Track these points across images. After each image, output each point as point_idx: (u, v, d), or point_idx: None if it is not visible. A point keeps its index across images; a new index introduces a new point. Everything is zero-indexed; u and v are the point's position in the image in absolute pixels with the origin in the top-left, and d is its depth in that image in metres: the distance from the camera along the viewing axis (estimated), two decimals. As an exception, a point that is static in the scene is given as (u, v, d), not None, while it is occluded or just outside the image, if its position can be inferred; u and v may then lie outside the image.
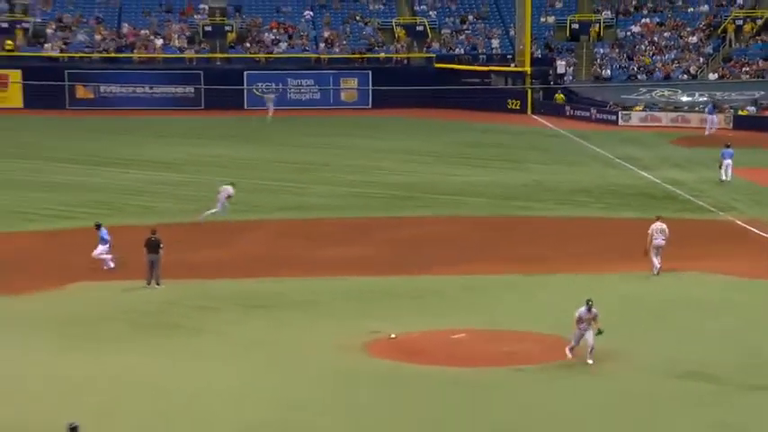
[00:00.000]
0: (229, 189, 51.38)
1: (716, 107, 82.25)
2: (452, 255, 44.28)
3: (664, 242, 41.98)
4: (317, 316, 35.92)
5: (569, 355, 31.10)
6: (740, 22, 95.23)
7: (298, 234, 48.55)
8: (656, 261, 41.85)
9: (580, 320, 30.77)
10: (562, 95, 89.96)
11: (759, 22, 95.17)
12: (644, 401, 28.57)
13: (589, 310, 30.85)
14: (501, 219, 52.08)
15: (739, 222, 50.10)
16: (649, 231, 42.11)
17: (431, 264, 42.69)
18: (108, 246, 41.36)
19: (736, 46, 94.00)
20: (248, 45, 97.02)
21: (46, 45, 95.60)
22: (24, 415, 27.11)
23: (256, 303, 37.51)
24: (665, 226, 42.33)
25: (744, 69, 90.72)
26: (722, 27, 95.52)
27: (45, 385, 29.47)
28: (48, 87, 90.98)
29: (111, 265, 41.52)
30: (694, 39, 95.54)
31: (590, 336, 30.50)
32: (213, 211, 50.94)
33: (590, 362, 30.64)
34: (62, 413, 27.27)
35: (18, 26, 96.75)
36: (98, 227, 41.60)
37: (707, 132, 77.91)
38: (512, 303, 37.63)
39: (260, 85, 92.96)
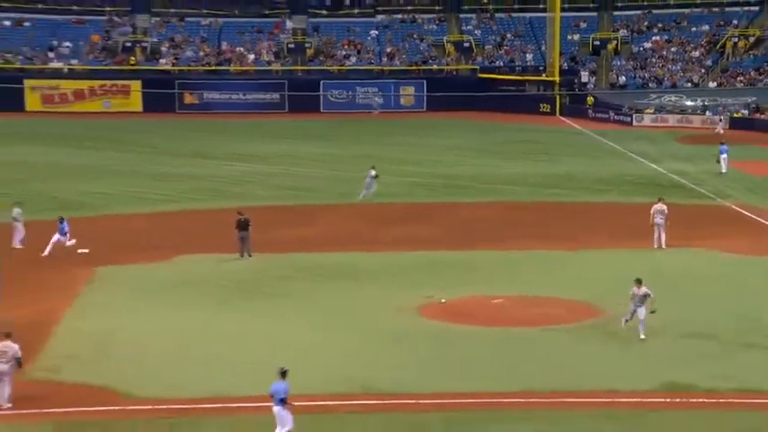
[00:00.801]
0: (372, 172, 53.06)
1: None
2: (495, 233, 44.46)
3: (662, 221, 42.16)
4: (381, 284, 36.20)
5: (623, 326, 29.99)
6: (735, 40, 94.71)
7: (367, 216, 48.77)
8: (657, 236, 42.11)
9: (633, 297, 29.83)
10: (592, 98, 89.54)
11: (751, 39, 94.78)
12: (657, 357, 28.68)
13: (639, 287, 29.81)
14: (537, 203, 52.17)
15: (735, 207, 49.95)
16: (651, 211, 42.47)
17: (477, 241, 42.88)
18: (66, 236, 40.04)
19: (732, 59, 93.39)
20: (324, 59, 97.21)
21: (161, 60, 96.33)
22: (149, 356, 27.55)
23: (331, 274, 37.75)
24: (664, 207, 42.61)
25: (738, 79, 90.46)
26: (720, 43, 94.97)
27: (162, 336, 29.98)
28: (161, 95, 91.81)
29: (47, 251, 39.84)
30: (697, 53, 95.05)
31: (641, 312, 29.54)
32: (365, 192, 52.55)
33: (642, 337, 29.46)
34: (177, 360, 27.83)
35: (138, 45, 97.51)
36: (61, 220, 40.39)
37: (718, 131, 77.31)
38: (544, 274, 37.65)
39: (333, 92, 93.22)
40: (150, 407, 24.90)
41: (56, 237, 39.96)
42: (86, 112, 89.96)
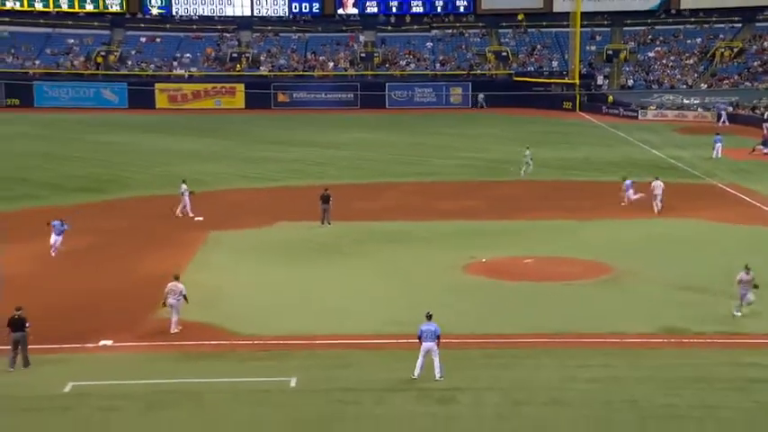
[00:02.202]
0: (528, 152, 53.46)
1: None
2: (527, 206, 44.15)
3: (660, 193, 42.52)
4: (433, 247, 36.09)
5: (737, 314, 26.85)
6: (723, 50, 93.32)
7: (422, 192, 48.60)
8: (656, 205, 42.45)
9: (740, 282, 27.05)
10: (611, 97, 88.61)
11: (735, 50, 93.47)
12: (651, 303, 28.56)
13: (747, 273, 27.08)
14: (560, 182, 51.65)
15: (721, 185, 49.23)
16: (651, 186, 42.85)
17: (511, 212, 42.60)
18: (60, 236, 34.48)
19: (719, 66, 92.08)
20: (389, 66, 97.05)
21: (260, 67, 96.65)
22: (250, 302, 27.77)
23: (393, 238, 37.69)
24: (661, 182, 43.04)
25: (724, 82, 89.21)
26: (710, 53, 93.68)
27: (261, 286, 30.16)
28: (260, 94, 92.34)
29: (53, 253, 34.39)
30: (691, 61, 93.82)
31: (751, 295, 27.00)
32: (525, 168, 52.83)
33: (738, 314, 26.84)
34: (272, 304, 28.01)
35: (243, 56, 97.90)
36: (58, 221, 34.85)
37: (720, 124, 76.19)
38: (565, 239, 37.33)
39: (396, 92, 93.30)
40: (251, 342, 25.14)
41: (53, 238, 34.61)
42: (202, 109, 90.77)
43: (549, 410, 20.46)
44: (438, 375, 22.04)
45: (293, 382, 22.16)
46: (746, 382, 22.10)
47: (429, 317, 22.59)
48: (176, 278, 26.51)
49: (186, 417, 20.43)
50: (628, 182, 44.40)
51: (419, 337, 22.25)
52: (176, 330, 25.74)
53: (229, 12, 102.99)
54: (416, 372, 22.09)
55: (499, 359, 23.76)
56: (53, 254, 34.12)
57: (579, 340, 25.15)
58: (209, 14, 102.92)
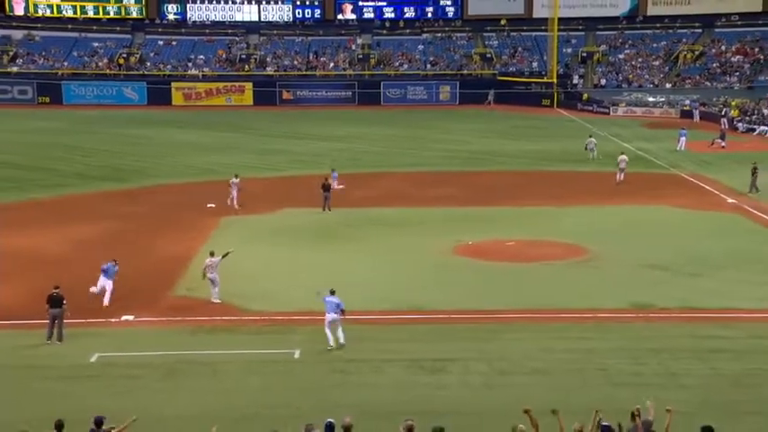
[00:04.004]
0: (592, 140, 55.68)
1: (700, 105, 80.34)
2: (509, 194, 44.06)
3: (624, 166, 46.23)
4: (424, 231, 36.05)
5: None
6: (685, 53, 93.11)
7: (414, 181, 48.44)
8: (619, 176, 45.85)
9: None
10: (586, 95, 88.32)
11: (696, 53, 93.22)
12: (622, 281, 28.55)
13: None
14: (539, 172, 51.45)
15: (683, 175, 49.16)
16: (618, 159, 46.24)
17: (496, 199, 42.55)
18: (111, 280, 26.25)
19: (682, 67, 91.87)
20: (384, 66, 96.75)
21: (267, 68, 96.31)
22: (258, 281, 27.68)
23: (388, 223, 37.68)
24: (625, 156, 47.13)
25: (687, 81, 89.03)
26: (674, 55, 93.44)
27: (267, 267, 30.11)
28: (267, 92, 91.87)
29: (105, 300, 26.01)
30: (657, 62, 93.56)
31: None
32: (592, 154, 54.27)
33: None
34: (278, 283, 27.96)
35: (251, 57, 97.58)
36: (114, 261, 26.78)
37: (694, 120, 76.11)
38: (545, 223, 37.27)
39: (391, 90, 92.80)
40: (259, 317, 25.13)
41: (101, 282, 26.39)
42: (214, 105, 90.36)
43: (530, 379, 20.50)
44: (341, 341, 22.32)
45: (297, 354, 22.18)
46: (705, 352, 22.16)
47: (332, 292, 22.82)
48: (211, 254, 26.73)
49: (201, 384, 20.48)
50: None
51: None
52: (217, 301, 26.00)
53: (239, 17, 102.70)
54: (330, 342, 22.32)
55: (485, 333, 23.76)
56: (106, 303, 25.78)
57: (557, 315, 25.17)
58: (221, 20, 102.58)
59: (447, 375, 20.88)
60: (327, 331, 22.43)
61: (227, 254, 27.06)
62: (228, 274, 27.74)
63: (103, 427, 14.85)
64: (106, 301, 25.74)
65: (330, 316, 22.48)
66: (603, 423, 13.96)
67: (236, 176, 41.15)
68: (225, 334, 23.92)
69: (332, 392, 19.64)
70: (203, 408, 18.59)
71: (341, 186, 43.19)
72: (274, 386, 20.30)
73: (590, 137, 56.26)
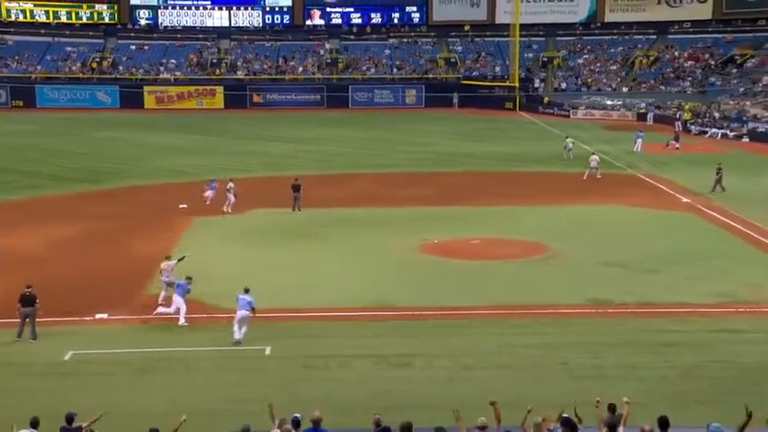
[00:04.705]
0: (569, 141, 56.95)
1: (655, 108, 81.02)
2: (473, 194, 44.19)
3: (596, 165, 48.23)
4: (391, 230, 36.07)
5: None
6: (641, 58, 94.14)
7: (381, 181, 48.50)
8: (589, 173, 47.51)
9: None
10: (547, 98, 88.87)
11: (651, 58, 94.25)
12: (581, 278, 28.68)
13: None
14: (503, 173, 51.66)
15: (640, 175, 49.59)
16: (589, 159, 48.56)
17: (460, 199, 42.69)
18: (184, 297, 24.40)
19: (638, 72, 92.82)
20: (352, 70, 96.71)
21: (237, 72, 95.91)
22: (228, 279, 27.59)
23: (356, 222, 37.68)
24: (597, 156, 48.76)
25: (642, 85, 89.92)
26: (630, 60, 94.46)
27: (238, 266, 29.99)
28: (238, 96, 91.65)
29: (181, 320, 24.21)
30: (614, 67, 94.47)
31: None
32: (567, 155, 55.31)
33: None
34: (247, 281, 27.88)
35: (222, 62, 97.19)
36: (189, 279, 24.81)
37: (648, 122, 76.62)
38: (510, 222, 37.44)
39: (358, 93, 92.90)
40: (230, 315, 24.95)
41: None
42: (186, 109, 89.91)
43: (492, 373, 20.58)
44: (240, 338, 22.37)
45: (268, 351, 22.11)
46: (659, 346, 22.35)
47: (246, 291, 22.94)
48: (167, 258, 26.52)
49: (174, 380, 20.36)
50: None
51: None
52: (162, 303, 25.58)
53: (209, 23, 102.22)
54: (236, 335, 22.41)
55: (449, 328, 23.81)
56: (182, 323, 23.98)
57: (519, 311, 25.25)
58: (192, 25, 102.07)
59: (412, 370, 20.91)
60: (236, 326, 22.49)
61: (182, 258, 26.91)
62: (201, 273, 27.57)
63: (74, 425, 14.75)
64: (182, 320, 23.99)
65: (241, 313, 22.56)
66: (564, 415, 14.04)
67: (232, 181, 40.60)
68: (197, 331, 23.76)
69: (301, 387, 19.60)
70: (176, 403, 18.48)
71: (209, 194, 40.18)
72: (246, 382, 20.22)
73: (567, 138, 56.61)
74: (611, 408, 14.29)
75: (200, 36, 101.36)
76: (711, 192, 43.30)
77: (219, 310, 25.29)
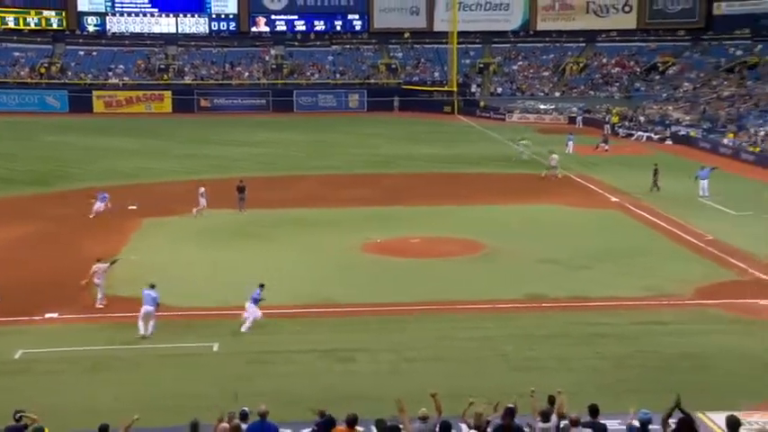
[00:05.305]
0: (522, 142, 57.31)
1: (587, 112, 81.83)
2: (414, 194, 44.20)
3: (555, 164, 49.05)
4: (335, 230, 35.95)
5: None
6: (571, 65, 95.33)
7: (325, 183, 48.30)
8: (548, 172, 48.18)
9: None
10: (483, 102, 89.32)
11: (581, 65, 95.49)
12: (517, 274, 28.86)
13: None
14: (441, 174, 51.66)
15: (572, 176, 50.04)
16: (549, 158, 49.21)
17: (401, 199, 42.67)
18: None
19: (569, 77, 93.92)
20: (296, 75, 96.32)
21: (185, 77, 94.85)
22: (176, 278, 27.27)
23: (300, 223, 37.47)
24: (556, 155, 49.37)
25: (573, 91, 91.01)
26: (562, 67, 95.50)
27: (186, 265, 29.65)
28: (185, 100, 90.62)
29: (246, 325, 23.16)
30: (546, 73, 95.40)
31: None
32: (523, 155, 55.66)
33: None
34: (195, 280, 27.55)
35: (170, 67, 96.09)
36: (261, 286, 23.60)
37: (577, 126, 77.35)
38: (449, 221, 37.52)
39: (303, 98, 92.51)
40: (179, 313, 24.70)
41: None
42: (134, 113, 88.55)
43: (434, 366, 20.62)
44: (150, 332, 22.28)
45: (215, 347, 21.89)
46: (591, 337, 22.65)
47: (152, 286, 22.86)
48: (99, 260, 25.89)
49: (123, 377, 20.05)
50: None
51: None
52: (102, 305, 25.14)
53: (157, 29, 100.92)
54: (141, 331, 22.33)
55: (391, 324, 23.81)
56: (246, 328, 23.00)
57: (458, 307, 25.36)
58: (140, 32, 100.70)
59: (356, 364, 20.87)
60: (140, 322, 22.34)
61: (115, 260, 26.50)
62: (149, 271, 27.21)
63: (21, 422, 14.42)
64: (248, 325, 23.10)
65: (146, 308, 22.43)
66: (510, 405, 14.11)
67: (203, 185, 39.72)
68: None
69: (249, 382, 19.42)
70: (126, 400, 18.18)
71: (100, 206, 37.84)
72: (194, 378, 19.99)
73: (521, 140, 56.91)
74: (551, 400, 14.39)
75: (148, 42, 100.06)
76: (650, 191, 43.88)
77: (168, 308, 24.92)
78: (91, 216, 37.42)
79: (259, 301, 23.24)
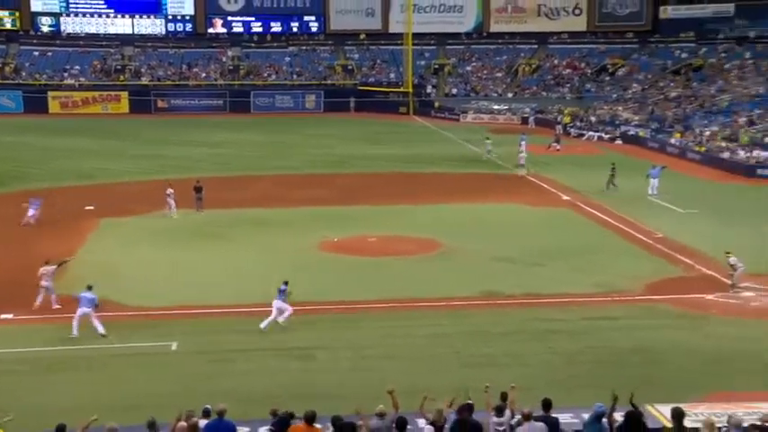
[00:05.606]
0: (488, 142, 57.39)
1: (539, 112, 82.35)
2: (370, 194, 44.18)
3: (523, 162, 49.91)
4: (292, 229, 35.82)
5: None
6: (524, 66, 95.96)
7: (282, 183, 48.03)
8: (521, 170, 48.96)
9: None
10: (438, 103, 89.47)
11: (533, 66, 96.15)
12: (476, 273, 28.92)
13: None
14: (398, 174, 51.62)
15: (525, 176, 50.24)
16: (518, 157, 50.37)
17: (358, 199, 42.64)
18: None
19: (522, 78, 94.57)
20: (253, 77, 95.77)
21: (142, 78, 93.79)
22: (136, 278, 26.99)
23: (258, 222, 37.28)
24: (524, 154, 50.12)
25: (526, 91, 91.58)
26: (514, 68, 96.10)
27: (145, 265, 29.34)
28: (142, 101, 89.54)
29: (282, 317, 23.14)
30: (500, 74, 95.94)
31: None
32: (487, 155, 55.68)
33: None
34: (155, 280, 27.28)
35: (126, 68, 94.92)
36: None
37: (530, 126, 77.82)
38: (405, 220, 37.52)
39: (260, 98, 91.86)
40: (137, 313, 24.45)
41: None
42: (91, 113, 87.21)
43: (391, 363, 20.66)
44: (100, 332, 22.06)
45: (174, 346, 21.71)
46: (544, 333, 22.87)
47: (89, 288, 22.69)
48: (46, 263, 25.45)
49: (80, 377, 19.83)
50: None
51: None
52: (57, 306, 24.73)
53: (113, 30, 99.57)
54: (74, 332, 22.14)
55: (349, 322, 23.81)
56: (265, 325, 22.81)
57: (414, 304, 25.41)
58: (95, 32, 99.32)
59: (315, 362, 20.84)
60: (75, 323, 22.13)
61: (63, 262, 26.20)
62: (107, 271, 26.95)
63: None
64: (283, 319, 22.99)
65: (81, 310, 22.22)
66: (469, 401, 14.19)
67: (171, 186, 38.93)
68: (107, 330, 23.09)
69: (208, 381, 19.31)
70: (83, 400, 17.97)
71: (31, 213, 36.13)
72: (152, 377, 19.82)
73: (487, 139, 57.10)
74: (504, 396, 14.50)
75: (104, 43, 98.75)
76: (606, 189, 44.29)
77: (126, 308, 24.72)
78: (21, 224, 35.73)
79: (286, 297, 23.16)
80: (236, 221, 37.36)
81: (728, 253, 26.95)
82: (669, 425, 13.37)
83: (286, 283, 23.35)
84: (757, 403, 15.60)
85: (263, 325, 22.65)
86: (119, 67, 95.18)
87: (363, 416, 13.56)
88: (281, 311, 22.93)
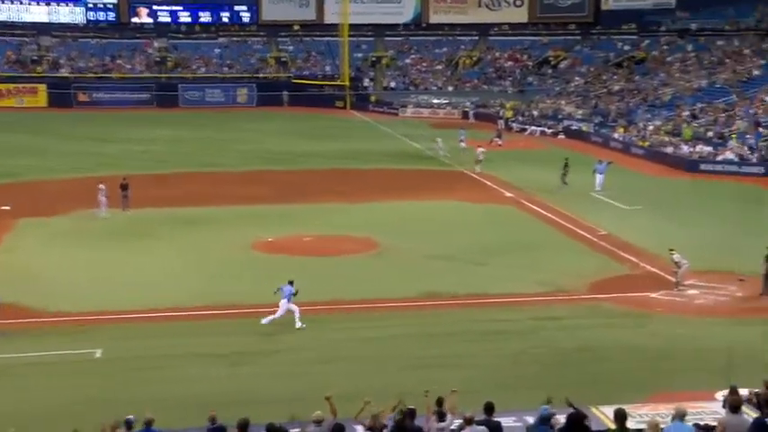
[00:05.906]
0: (439, 140, 57.12)
1: (480, 106, 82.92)
2: (306, 191, 43.90)
3: (482, 158, 49.63)
4: (224, 228, 35.45)
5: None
6: (464, 59, 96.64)
7: (213, 180, 47.54)
8: (477, 168, 49.22)
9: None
10: (375, 96, 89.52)
11: (474, 58, 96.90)
12: (418, 273, 28.98)
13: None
14: (335, 171, 51.49)
15: (466, 172, 50.61)
16: (476, 153, 50.43)
17: (293, 196, 42.36)
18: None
19: (462, 71, 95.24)
20: (181, 69, 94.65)
21: (61, 69, 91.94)
22: (56, 281, 26.43)
23: (188, 221, 36.82)
24: (483, 149, 50.65)
25: (467, 85, 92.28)
26: (455, 61, 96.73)
27: (67, 267, 28.76)
28: (62, 94, 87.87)
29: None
30: (440, 67, 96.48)
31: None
32: (441, 153, 55.39)
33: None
34: (78, 283, 26.76)
35: (43, 59, 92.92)
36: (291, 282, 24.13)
37: (470, 120, 78.36)
38: (342, 219, 37.41)
39: (188, 92, 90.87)
40: (57, 318, 23.93)
41: None
42: (5, 107, 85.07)
43: (330, 366, 20.55)
44: None
45: (98, 353, 21.29)
46: (489, 334, 23.07)
47: None
48: None
49: (-3, 389, 19.31)
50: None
51: None
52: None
53: (28, 18, 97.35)
54: None
55: (285, 325, 23.54)
56: (266, 321, 23.28)
57: (354, 306, 25.36)
58: (8, 20, 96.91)
59: (250, 366, 20.64)
60: None
61: None
62: (25, 274, 26.35)
63: None
64: (298, 323, 23.33)
65: None
66: (411, 407, 14.17)
67: (102, 183, 38.21)
68: (20, 337, 22.56)
69: (134, 389, 18.97)
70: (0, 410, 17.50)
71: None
72: (75, 386, 19.40)
73: (438, 138, 57.11)
74: (439, 401, 14.45)
75: (18, 32, 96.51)
76: (562, 185, 44.59)
77: (46, 314, 24.17)
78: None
79: (292, 297, 23.08)
80: (165, 220, 36.86)
81: (672, 250, 27.47)
82: (613, 426, 13.55)
83: (291, 283, 23.36)
84: (701, 402, 15.90)
85: (265, 320, 22.92)
86: (35, 57, 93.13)
87: (299, 422, 13.46)
88: (289, 312, 23.07)
